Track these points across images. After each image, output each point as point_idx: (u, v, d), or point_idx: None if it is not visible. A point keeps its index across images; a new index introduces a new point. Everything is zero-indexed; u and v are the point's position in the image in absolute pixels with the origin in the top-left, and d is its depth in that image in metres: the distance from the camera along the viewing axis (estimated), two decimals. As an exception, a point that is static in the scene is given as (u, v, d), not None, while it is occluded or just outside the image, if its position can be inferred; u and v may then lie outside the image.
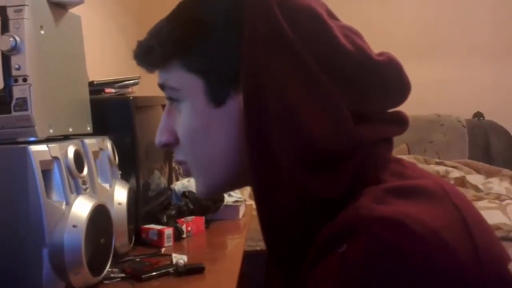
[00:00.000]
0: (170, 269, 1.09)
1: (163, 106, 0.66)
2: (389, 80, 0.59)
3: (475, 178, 2.79)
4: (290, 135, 0.54)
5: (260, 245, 1.44)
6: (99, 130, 1.19)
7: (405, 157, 2.82)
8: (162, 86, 0.63)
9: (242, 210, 1.69)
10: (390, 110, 0.62)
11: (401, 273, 0.45)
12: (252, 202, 1.92)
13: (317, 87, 0.55)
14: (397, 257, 0.46)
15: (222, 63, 0.58)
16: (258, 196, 0.56)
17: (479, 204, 2.25)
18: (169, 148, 0.65)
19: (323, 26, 0.57)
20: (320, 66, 0.55)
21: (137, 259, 1.18)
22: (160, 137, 0.64)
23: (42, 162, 0.89)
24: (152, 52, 0.61)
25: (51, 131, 0.98)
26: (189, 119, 0.60)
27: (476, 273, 0.47)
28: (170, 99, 0.63)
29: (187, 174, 0.65)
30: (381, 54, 0.60)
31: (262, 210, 0.56)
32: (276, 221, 0.56)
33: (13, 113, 0.91)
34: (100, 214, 0.99)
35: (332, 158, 0.54)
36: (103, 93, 1.41)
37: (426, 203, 0.50)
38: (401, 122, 0.62)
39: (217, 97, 0.58)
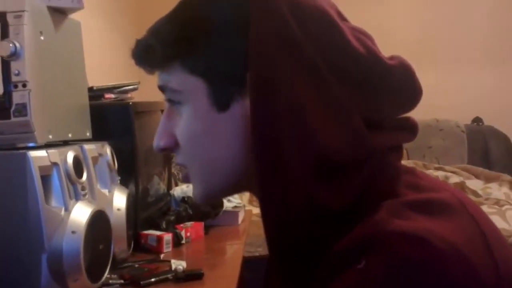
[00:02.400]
0: (169, 275, 1.09)
1: (163, 111, 0.64)
2: (401, 85, 0.57)
3: (474, 183, 2.79)
4: (301, 142, 0.51)
5: (259, 251, 1.44)
6: (98, 135, 1.19)
7: (404, 162, 2.80)
8: (162, 88, 0.60)
9: (241, 216, 1.68)
10: (400, 116, 0.59)
11: None
12: (251, 208, 1.92)
13: (328, 93, 0.53)
14: (419, 273, 0.44)
15: (226, 65, 0.55)
16: (263, 203, 0.54)
17: (478, 210, 2.25)
18: (167, 152, 0.62)
19: (334, 29, 0.55)
20: (332, 71, 0.53)
21: (136, 265, 1.18)
22: (158, 141, 0.61)
23: (41, 168, 0.89)
24: (151, 52, 0.57)
25: (50, 136, 0.98)
26: (191, 123, 0.58)
27: None
28: (170, 101, 0.60)
29: (187, 180, 0.64)
30: (392, 58, 0.58)
31: (267, 217, 0.54)
32: (283, 230, 0.54)
33: (13, 119, 0.91)
34: (99, 220, 0.99)
35: (342, 167, 0.52)
36: (102, 98, 1.41)
37: (445, 217, 0.49)
38: (411, 128, 0.59)
39: (221, 101, 0.56)
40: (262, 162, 0.53)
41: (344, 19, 0.58)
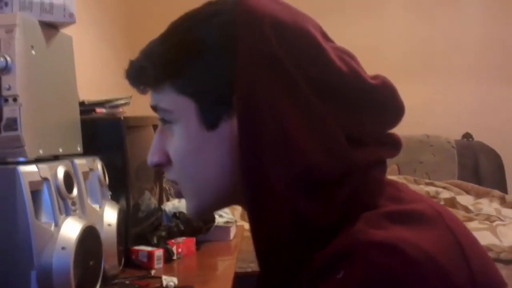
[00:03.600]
0: (160, 292, 1.07)
1: (154, 126, 0.66)
2: (383, 103, 0.59)
3: (465, 199, 2.80)
4: (285, 159, 0.54)
5: (251, 266, 1.43)
6: (89, 150, 1.18)
7: (395, 177, 2.83)
8: (154, 108, 0.63)
9: (233, 231, 1.67)
10: (384, 133, 0.62)
11: None
12: (243, 223, 1.91)
13: (311, 111, 0.55)
14: (394, 283, 0.46)
15: (214, 86, 0.57)
16: (252, 219, 0.56)
17: (469, 225, 2.25)
18: (161, 168, 0.65)
19: (318, 49, 0.57)
20: (315, 90, 0.55)
21: (127, 282, 1.17)
22: (152, 157, 0.64)
23: (31, 183, 0.88)
24: (144, 73, 0.60)
25: (40, 151, 0.97)
26: (182, 141, 0.60)
27: None
28: (163, 120, 0.62)
29: (179, 195, 0.65)
30: (375, 77, 0.60)
31: (256, 232, 0.56)
32: (269, 244, 0.55)
33: (3, 134, 0.90)
34: (89, 236, 0.98)
35: (327, 183, 0.54)
36: (93, 113, 1.40)
37: (421, 227, 0.50)
38: (394, 144, 0.62)
39: (209, 120, 0.58)
40: (248, 179, 0.55)
41: (328, 39, 0.60)
